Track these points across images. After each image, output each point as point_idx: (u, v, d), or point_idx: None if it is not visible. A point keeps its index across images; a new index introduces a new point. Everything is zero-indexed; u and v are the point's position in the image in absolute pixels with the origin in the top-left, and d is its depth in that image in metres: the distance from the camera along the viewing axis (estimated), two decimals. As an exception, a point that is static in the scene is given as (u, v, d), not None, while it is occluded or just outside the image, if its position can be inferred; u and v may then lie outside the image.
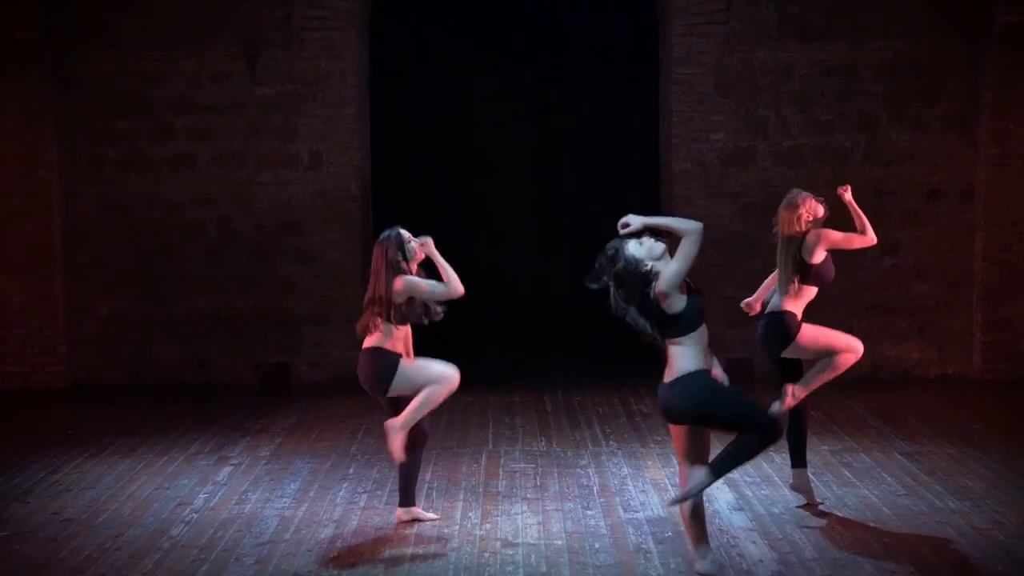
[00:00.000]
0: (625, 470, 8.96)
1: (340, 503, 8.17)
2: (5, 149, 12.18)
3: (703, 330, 6.18)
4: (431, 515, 7.77)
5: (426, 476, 8.83)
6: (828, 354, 7.81)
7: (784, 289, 7.77)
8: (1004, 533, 7.32)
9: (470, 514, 7.86)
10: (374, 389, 7.56)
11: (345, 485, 8.62)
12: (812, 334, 7.77)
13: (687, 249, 6.06)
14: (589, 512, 7.88)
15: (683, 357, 6.13)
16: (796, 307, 7.77)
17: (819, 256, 7.79)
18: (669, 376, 6.17)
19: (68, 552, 7.19)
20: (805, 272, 7.76)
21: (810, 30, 12.23)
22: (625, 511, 7.90)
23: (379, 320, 7.44)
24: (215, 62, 12.32)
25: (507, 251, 15.31)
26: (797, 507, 7.89)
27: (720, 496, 8.20)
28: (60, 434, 10.25)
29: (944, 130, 12.26)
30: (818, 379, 7.81)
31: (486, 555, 7.05)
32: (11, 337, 12.31)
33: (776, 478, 8.63)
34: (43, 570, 6.90)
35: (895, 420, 10.47)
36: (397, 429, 7.47)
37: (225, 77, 12.34)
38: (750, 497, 8.17)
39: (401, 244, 7.54)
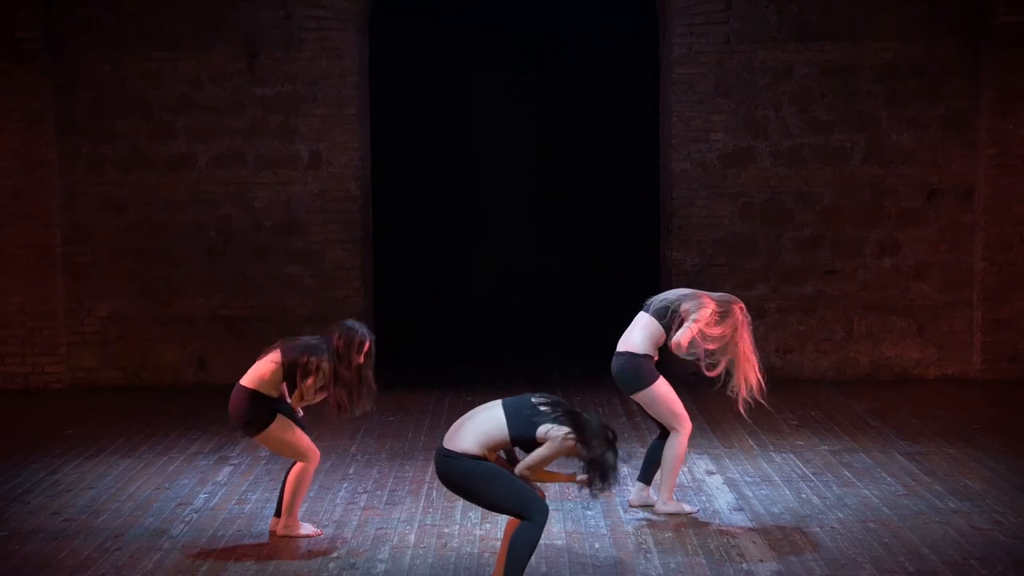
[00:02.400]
0: (625, 470, 8.95)
1: (340, 503, 8.17)
2: (5, 149, 12.18)
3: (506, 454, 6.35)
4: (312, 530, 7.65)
5: (426, 476, 8.83)
6: (663, 422, 7.78)
7: (657, 336, 7.73)
8: (1004, 533, 7.33)
9: (470, 514, 7.86)
10: (241, 428, 7.48)
11: (345, 485, 8.62)
12: (666, 391, 7.73)
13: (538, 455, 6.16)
14: (589, 512, 7.88)
15: (484, 439, 6.14)
16: (654, 352, 7.77)
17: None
18: (452, 443, 6.17)
19: (68, 552, 7.19)
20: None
21: (810, 30, 12.23)
22: (625, 511, 7.91)
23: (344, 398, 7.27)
24: (215, 62, 12.32)
25: (507, 250, 15.30)
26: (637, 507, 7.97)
27: (720, 496, 8.21)
28: (60, 434, 10.25)
29: (944, 130, 12.26)
30: (672, 476, 7.77)
31: (486, 555, 7.05)
32: (11, 337, 12.31)
33: (776, 478, 8.64)
34: (43, 570, 6.90)
35: (895, 420, 10.47)
36: (287, 525, 7.37)
37: (225, 77, 12.34)
38: (750, 497, 8.17)
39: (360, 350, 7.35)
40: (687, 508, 7.78)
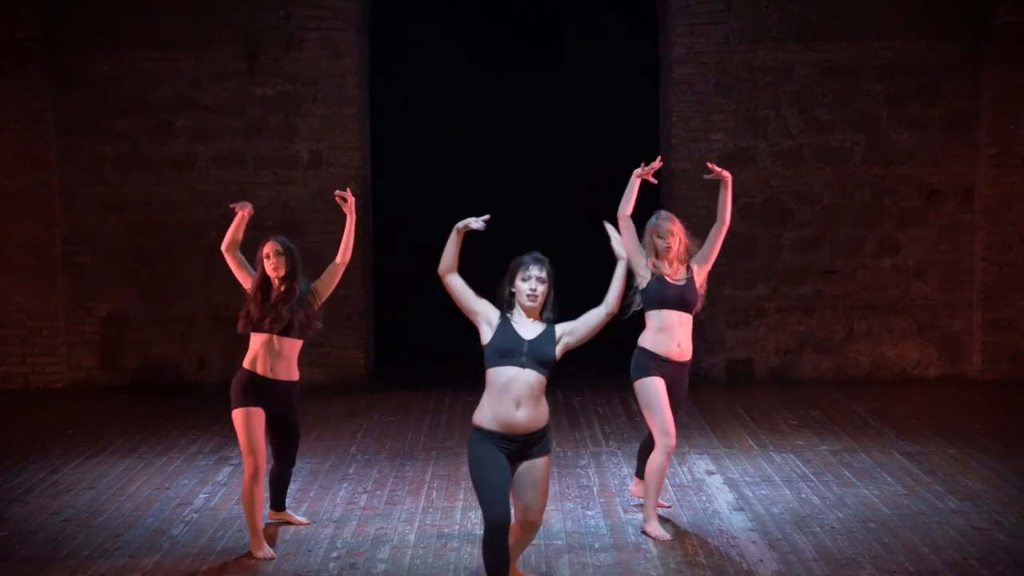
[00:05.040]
0: (625, 470, 8.95)
1: (340, 503, 8.17)
2: (5, 149, 12.18)
3: (505, 372, 5.85)
4: (302, 519, 7.65)
5: (426, 476, 8.83)
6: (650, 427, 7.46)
7: (651, 321, 7.53)
8: (1004, 533, 7.33)
9: (470, 514, 7.86)
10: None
11: (345, 485, 8.62)
12: (646, 391, 7.36)
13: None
14: (589, 512, 7.88)
15: (483, 397, 5.93)
16: (650, 343, 7.46)
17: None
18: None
19: (68, 552, 7.19)
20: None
21: (810, 30, 12.23)
22: (625, 511, 7.90)
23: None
24: (215, 62, 12.32)
25: (507, 249, 15.30)
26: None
27: (720, 496, 8.21)
28: (60, 434, 10.25)
29: (944, 130, 12.26)
30: (651, 496, 7.38)
31: (486, 555, 7.04)
32: (11, 337, 12.31)
33: (776, 478, 8.63)
34: (43, 570, 6.89)
35: (895, 420, 10.47)
36: (253, 544, 7.08)
37: (225, 77, 12.34)
38: (750, 497, 8.17)
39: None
40: (664, 536, 7.27)
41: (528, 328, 5.96)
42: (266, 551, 7.04)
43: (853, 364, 12.43)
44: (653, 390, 7.38)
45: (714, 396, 11.70)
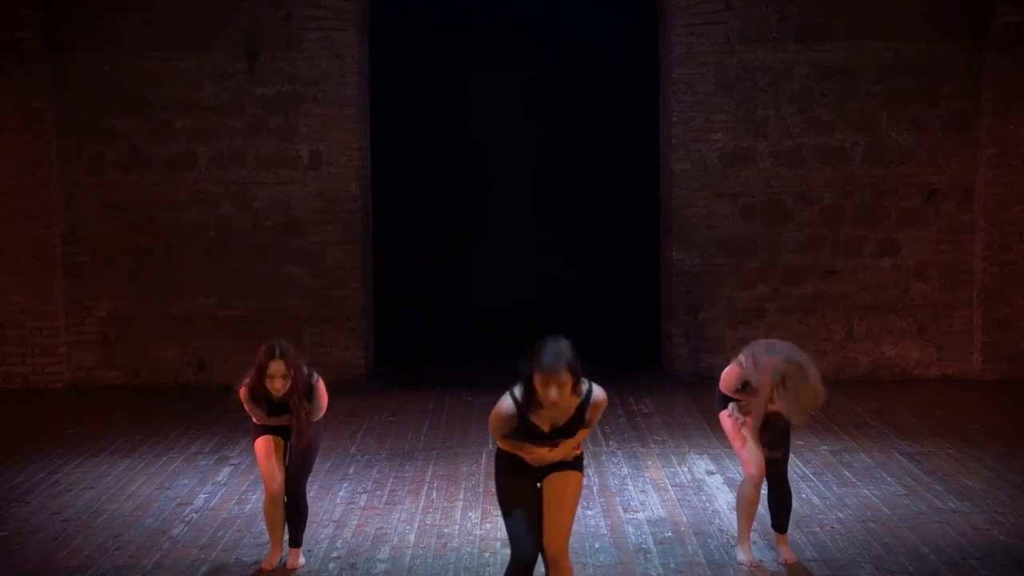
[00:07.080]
0: (625, 470, 8.96)
1: (340, 503, 8.17)
2: (5, 149, 12.17)
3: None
4: (299, 562, 7.05)
5: (426, 476, 8.83)
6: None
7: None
8: (1004, 533, 7.33)
9: (470, 514, 7.86)
10: None
11: (345, 485, 8.62)
12: (728, 423, 7.07)
13: None
14: (589, 512, 7.88)
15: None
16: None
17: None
18: None
19: (68, 552, 7.19)
20: None
21: (810, 30, 12.23)
22: (625, 511, 7.91)
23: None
24: (215, 62, 12.32)
25: (507, 250, 15.30)
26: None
27: (720, 496, 8.21)
28: (60, 434, 10.25)
29: (944, 130, 12.26)
30: (738, 523, 7.02)
31: (486, 555, 7.05)
32: (11, 337, 12.31)
33: (776, 478, 8.63)
34: (43, 570, 6.90)
35: (895, 420, 10.47)
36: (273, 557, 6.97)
37: (225, 77, 12.34)
38: (750, 497, 8.16)
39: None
40: (752, 560, 6.90)
41: (557, 416, 5.55)
42: (274, 563, 6.89)
43: (853, 364, 12.43)
44: (728, 422, 7.05)
45: (714, 396, 11.66)
